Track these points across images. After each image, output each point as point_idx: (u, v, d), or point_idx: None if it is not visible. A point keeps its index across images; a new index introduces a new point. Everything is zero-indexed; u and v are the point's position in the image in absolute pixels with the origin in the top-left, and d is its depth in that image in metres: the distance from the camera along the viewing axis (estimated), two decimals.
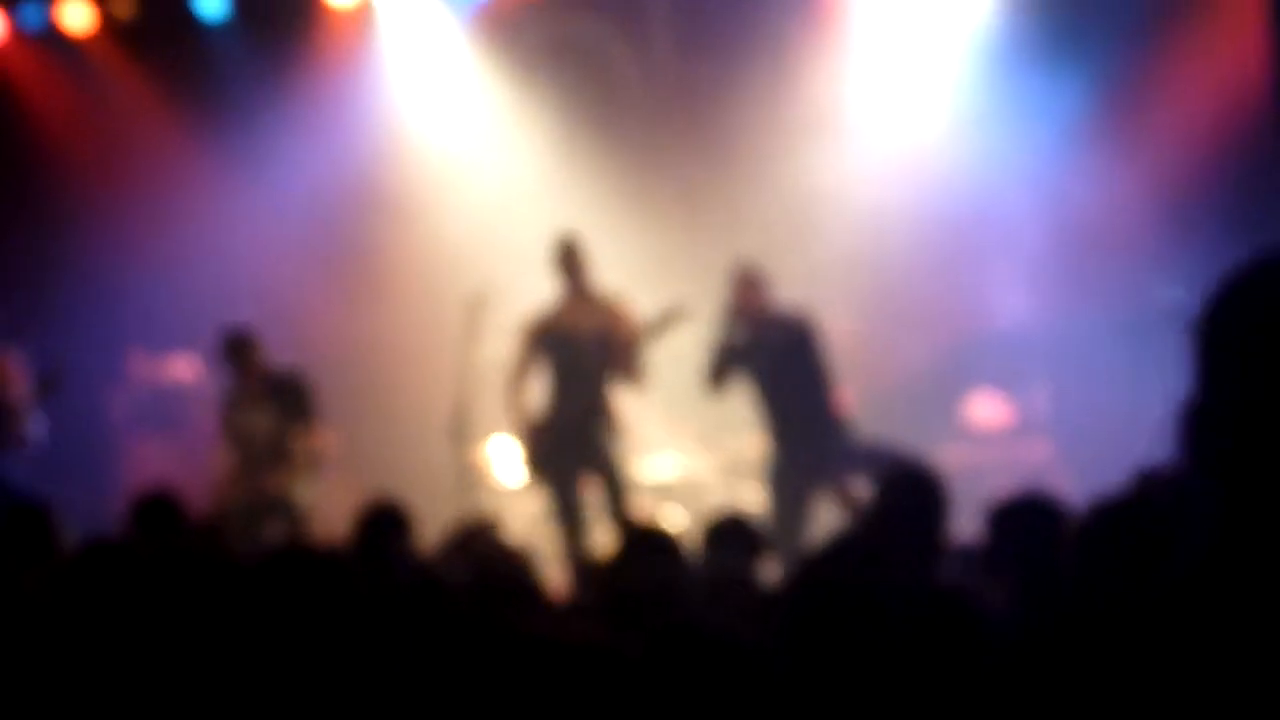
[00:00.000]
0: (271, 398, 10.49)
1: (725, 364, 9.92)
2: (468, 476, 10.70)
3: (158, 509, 6.87)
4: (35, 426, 10.70)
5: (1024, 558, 4.99)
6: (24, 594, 4.86)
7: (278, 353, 11.98)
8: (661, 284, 13.27)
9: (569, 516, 9.85)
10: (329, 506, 12.05)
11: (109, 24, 13.84)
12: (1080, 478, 11.02)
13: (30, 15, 13.81)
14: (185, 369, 13.52)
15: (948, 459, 11.82)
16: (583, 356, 9.94)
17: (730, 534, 6.42)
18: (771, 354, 9.85)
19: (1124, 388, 11.53)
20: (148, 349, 13.53)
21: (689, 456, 12.22)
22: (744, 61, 13.68)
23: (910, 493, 5.73)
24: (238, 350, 10.61)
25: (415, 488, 10.33)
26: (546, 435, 10.00)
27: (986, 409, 12.25)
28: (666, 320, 9.95)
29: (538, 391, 10.29)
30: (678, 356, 11.50)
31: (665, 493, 11.97)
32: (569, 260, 10.13)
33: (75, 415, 11.89)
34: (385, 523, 6.38)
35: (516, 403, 10.20)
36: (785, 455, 9.76)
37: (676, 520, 11.40)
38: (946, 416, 12.32)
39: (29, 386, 10.66)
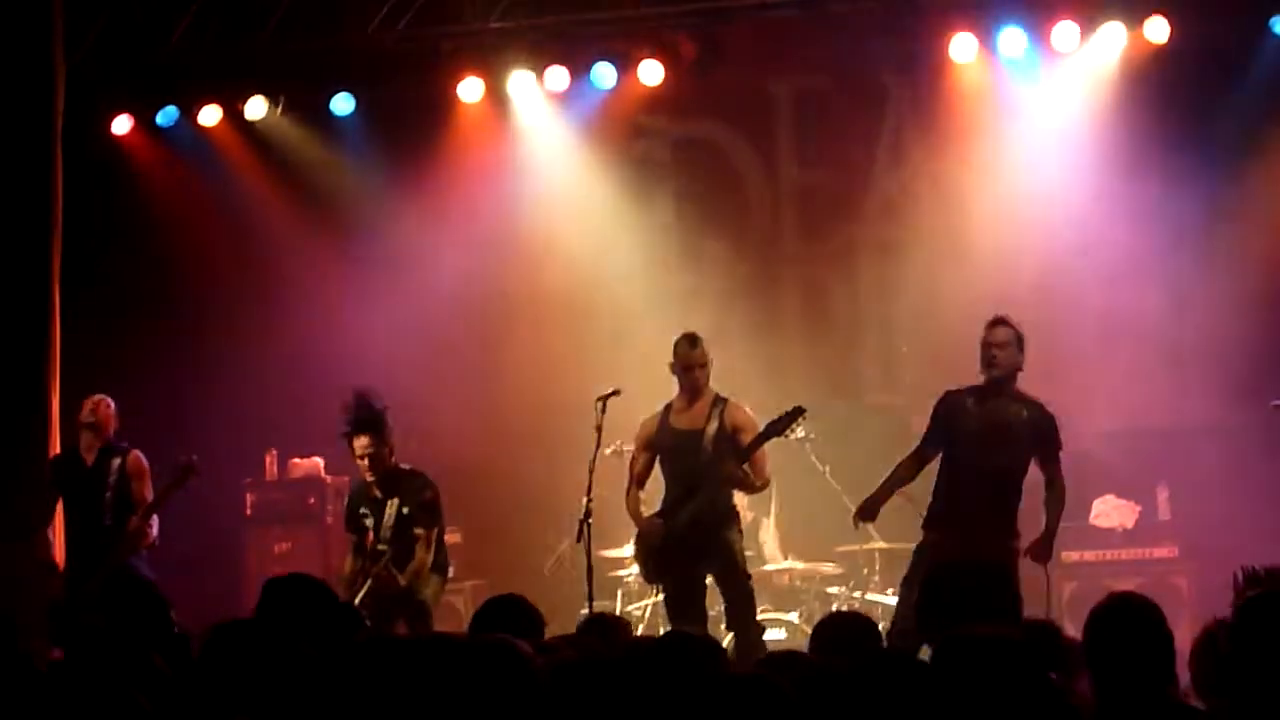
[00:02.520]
0: (395, 496, 10.54)
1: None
2: (596, 570, 10.74)
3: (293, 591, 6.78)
4: (154, 529, 10.94)
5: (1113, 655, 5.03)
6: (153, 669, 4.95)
7: (406, 450, 12.15)
8: (779, 388, 13.42)
9: (689, 617, 9.86)
10: (455, 602, 12.25)
11: (239, 123, 14.20)
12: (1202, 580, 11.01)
13: (163, 114, 14.16)
14: (316, 468, 13.70)
15: (1074, 561, 11.85)
16: (701, 458, 10.00)
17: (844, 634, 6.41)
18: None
19: (1242, 492, 11.50)
20: (281, 448, 13.71)
21: (803, 560, 12.19)
22: (865, 169, 13.79)
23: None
24: (371, 422, 10.53)
25: (540, 584, 10.46)
26: (664, 537, 10.06)
27: (1110, 512, 12.19)
28: (781, 424, 9.99)
29: (658, 492, 10.37)
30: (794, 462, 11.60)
31: (781, 593, 11.97)
32: (689, 361, 10.22)
33: (211, 511, 12.10)
34: (505, 618, 6.33)
35: (637, 503, 10.30)
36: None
37: (793, 622, 11.44)
38: (1072, 519, 12.28)
39: (161, 485, 10.90)
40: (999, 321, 9.58)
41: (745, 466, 9.99)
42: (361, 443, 10.56)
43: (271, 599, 6.09)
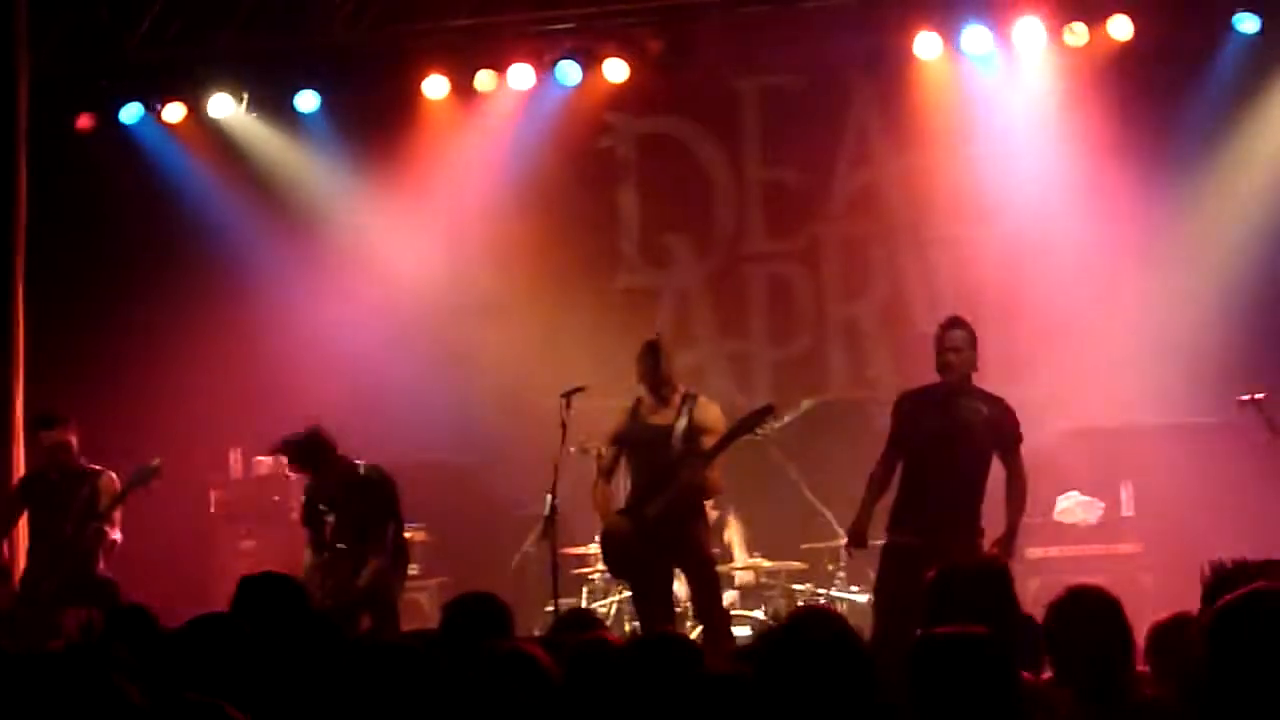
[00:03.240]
0: (353, 495, 10.53)
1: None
2: (561, 567, 10.73)
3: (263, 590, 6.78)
4: (116, 533, 10.94)
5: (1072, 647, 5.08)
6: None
7: (369, 447, 12.12)
8: (745, 384, 13.45)
9: (656, 613, 9.88)
10: (420, 599, 12.24)
11: (203, 120, 14.17)
12: (1166, 576, 11.05)
13: (127, 111, 14.13)
14: (281, 465, 13.67)
15: (1039, 558, 11.89)
16: (670, 453, 10.00)
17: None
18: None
19: (1205, 488, 11.56)
20: (246, 446, 13.69)
21: (769, 558, 12.20)
22: (830, 165, 13.82)
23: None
24: (310, 458, 10.63)
25: (505, 581, 10.46)
26: (632, 533, 10.05)
27: (1074, 508, 12.24)
28: (749, 423, 10.01)
29: (625, 489, 10.38)
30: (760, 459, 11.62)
31: (747, 591, 11.98)
32: (654, 361, 10.23)
33: (176, 509, 12.08)
34: (474, 616, 6.34)
35: (604, 497, 10.30)
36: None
37: (758, 619, 11.45)
38: (1036, 515, 12.33)
39: (122, 487, 10.90)
40: (954, 323, 9.60)
41: (705, 468, 9.98)
42: (306, 475, 10.76)
43: (246, 597, 6.10)
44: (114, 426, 11.66)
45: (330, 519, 10.50)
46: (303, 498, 10.88)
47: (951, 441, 9.38)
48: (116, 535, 10.94)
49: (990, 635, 4.43)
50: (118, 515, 10.95)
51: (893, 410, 9.71)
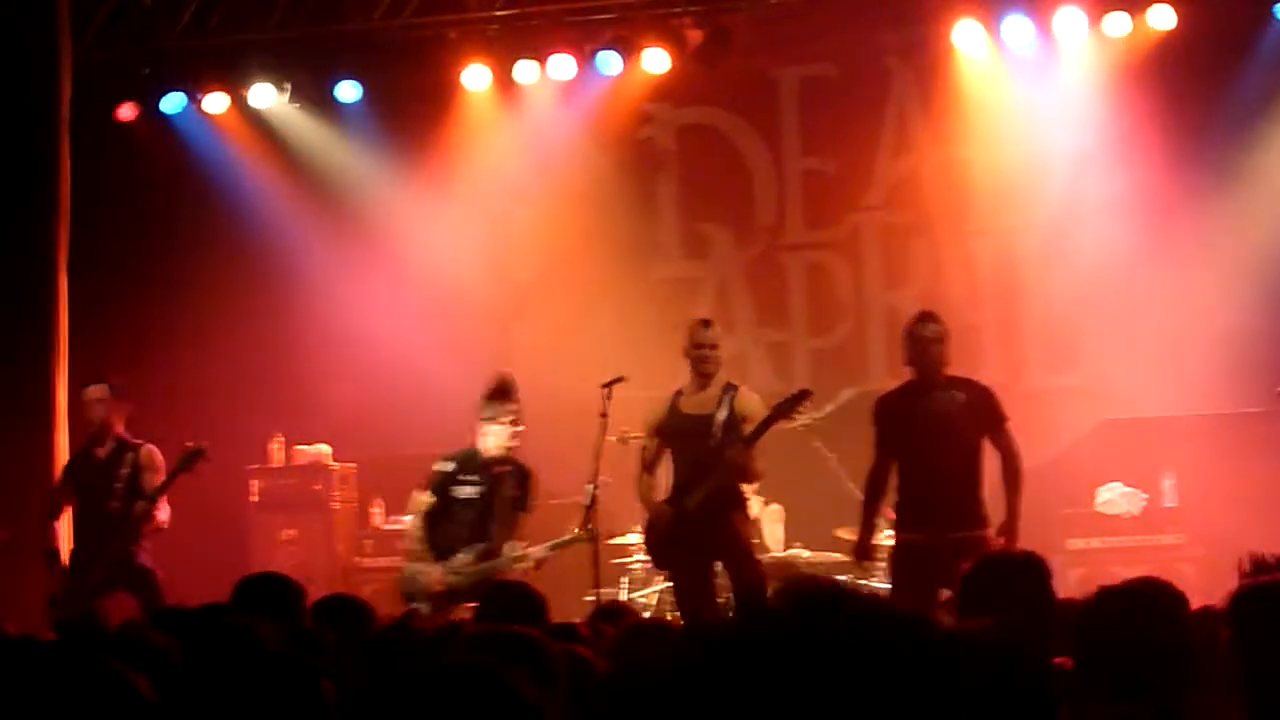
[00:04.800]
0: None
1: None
2: (602, 557, 10.73)
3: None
4: (164, 512, 10.97)
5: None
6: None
7: (409, 435, 12.14)
8: (784, 374, 13.43)
9: (698, 604, 9.88)
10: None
11: (245, 110, 14.23)
12: (1208, 567, 11.02)
13: (169, 100, 14.18)
14: (322, 455, 13.72)
15: (1080, 549, 11.87)
16: (710, 443, 10.01)
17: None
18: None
19: (1248, 479, 11.52)
20: (287, 434, 13.73)
21: (809, 548, 12.18)
22: (870, 154, 13.80)
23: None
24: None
25: (543, 571, 10.46)
26: (673, 524, 10.06)
27: (1117, 499, 12.21)
28: (787, 407, 10.01)
29: (666, 478, 10.38)
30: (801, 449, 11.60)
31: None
32: (702, 343, 10.24)
33: (216, 498, 12.13)
34: (511, 604, 6.36)
35: (648, 489, 10.31)
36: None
37: None
38: (1079, 505, 12.30)
39: (168, 473, 10.93)
40: (930, 317, 9.59)
41: (747, 457, 9.99)
42: None
43: (244, 596, 6.12)
44: (155, 415, 11.70)
45: (469, 491, 10.49)
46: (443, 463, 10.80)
47: (938, 436, 9.38)
48: (164, 515, 10.96)
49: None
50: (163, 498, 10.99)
51: (874, 415, 9.69)
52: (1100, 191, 13.00)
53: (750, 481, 10.34)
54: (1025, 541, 10.04)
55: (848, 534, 11.86)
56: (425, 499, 10.55)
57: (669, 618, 11.13)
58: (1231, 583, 5.38)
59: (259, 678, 3.61)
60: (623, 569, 12.17)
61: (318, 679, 3.53)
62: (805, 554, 11.99)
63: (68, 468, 11.49)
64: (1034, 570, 5.81)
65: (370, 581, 12.64)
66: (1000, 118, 13.37)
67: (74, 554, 11.02)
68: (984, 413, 9.47)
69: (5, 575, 10.89)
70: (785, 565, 11.84)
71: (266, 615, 5.30)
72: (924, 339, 9.49)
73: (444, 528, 10.45)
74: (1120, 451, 12.37)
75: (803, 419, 10.73)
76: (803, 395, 10.09)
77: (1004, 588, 5.56)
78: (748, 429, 9.93)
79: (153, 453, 11.08)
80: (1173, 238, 12.73)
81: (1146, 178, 12.76)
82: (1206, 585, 9.85)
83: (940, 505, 9.30)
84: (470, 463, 10.55)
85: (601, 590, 10.63)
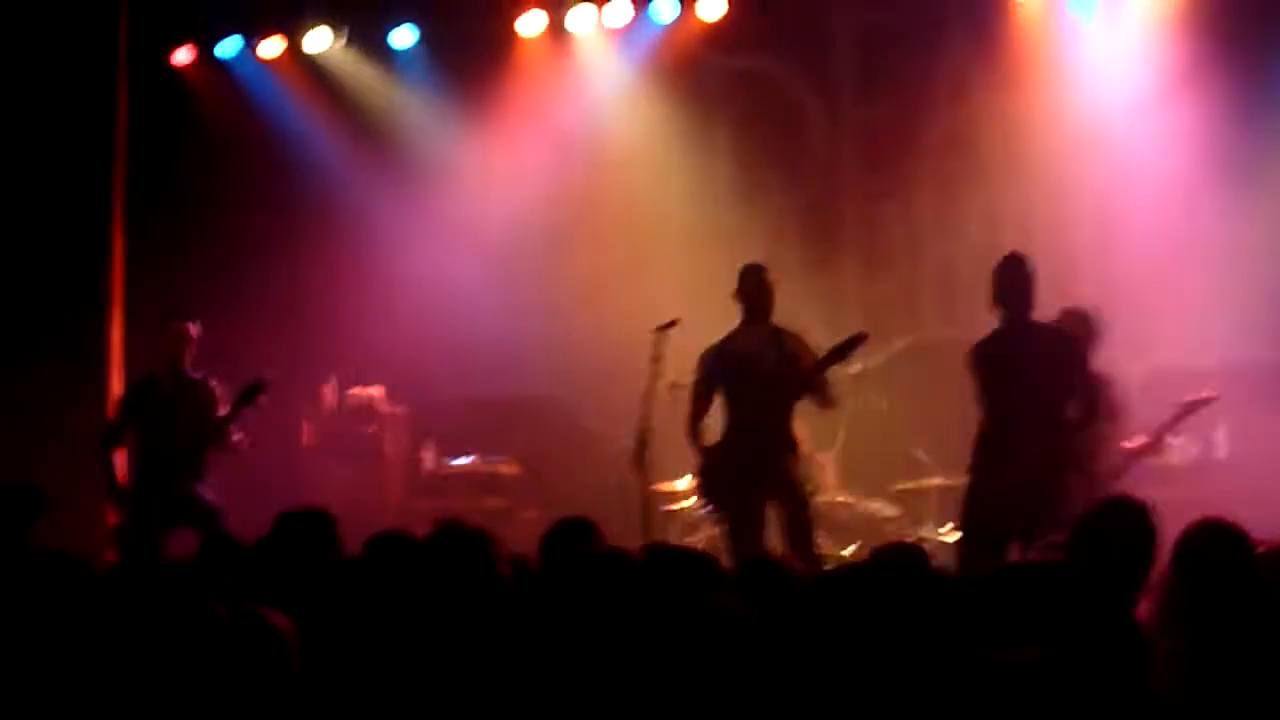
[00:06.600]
0: None
1: None
2: (651, 503, 10.75)
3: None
4: (238, 436, 11.04)
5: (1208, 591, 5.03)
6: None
7: (461, 380, 12.15)
8: (835, 323, 13.41)
9: (749, 546, 9.89)
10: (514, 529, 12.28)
11: (300, 55, 14.27)
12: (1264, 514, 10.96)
13: (225, 45, 14.22)
14: (374, 398, 13.76)
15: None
16: (763, 386, 10.03)
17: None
18: None
19: None
20: (340, 377, 13.79)
21: (859, 495, 12.18)
22: (925, 103, 13.74)
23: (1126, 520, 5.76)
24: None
25: (601, 514, 10.50)
26: (726, 463, 10.10)
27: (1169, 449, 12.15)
28: (843, 350, 10.02)
29: (719, 420, 10.40)
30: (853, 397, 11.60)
31: (842, 524, 11.97)
32: (753, 291, 10.24)
33: (268, 441, 12.19)
34: (571, 536, 6.38)
35: (697, 431, 10.33)
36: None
37: (845, 558, 11.44)
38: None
39: (233, 400, 10.97)
40: (1018, 258, 9.52)
41: (811, 389, 10.00)
42: None
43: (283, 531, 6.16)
44: (210, 359, 11.75)
45: None
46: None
47: (1019, 378, 9.26)
48: (239, 438, 11.02)
49: None
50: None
51: (968, 364, 9.54)
52: (1154, 140, 12.90)
53: (828, 407, 10.33)
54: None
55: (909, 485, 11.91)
56: None
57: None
58: None
59: None
60: (672, 515, 12.20)
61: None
62: (855, 500, 11.99)
63: (126, 401, 11.52)
64: (1145, 520, 5.82)
65: (422, 523, 12.67)
66: (1057, 66, 13.29)
67: (136, 488, 11.07)
68: (1069, 361, 9.41)
69: (67, 512, 10.97)
70: (835, 511, 11.87)
71: (305, 549, 5.37)
72: (1012, 281, 9.43)
73: None
74: (1173, 400, 12.32)
75: (855, 367, 10.73)
76: (860, 338, 10.10)
77: (1113, 534, 5.57)
78: (804, 365, 9.94)
79: (217, 387, 11.14)
80: (1229, 184, 12.63)
81: (1200, 125, 12.65)
82: (1259, 535, 9.84)
83: (1019, 449, 9.18)
84: None
85: (651, 537, 10.66)
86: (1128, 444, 10.21)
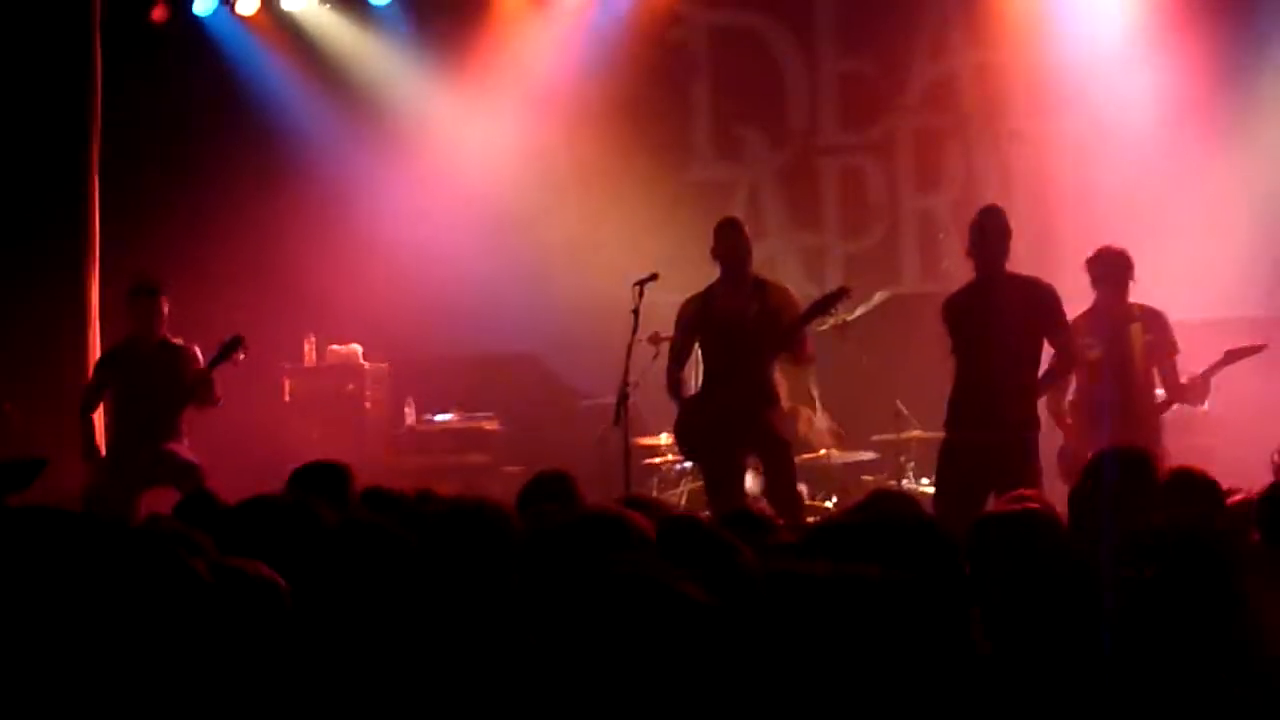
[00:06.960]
0: None
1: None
2: (632, 457, 10.75)
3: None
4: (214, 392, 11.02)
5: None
6: None
7: (440, 337, 12.11)
8: (816, 277, 13.41)
9: (729, 498, 9.90)
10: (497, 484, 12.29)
11: (277, 12, 14.20)
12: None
13: (201, 2, 14.15)
14: (354, 354, 13.74)
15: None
16: (743, 340, 10.01)
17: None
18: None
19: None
20: (319, 334, 13.77)
21: (840, 448, 12.18)
22: (906, 57, 13.72)
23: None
24: None
25: (583, 469, 10.50)
26: (704, 416, 10.09)
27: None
28: (825, 304, 10.02)
29: (699, 374, 10.41)
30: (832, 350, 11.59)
31: (821, 477, 11.99)
32: (729, 246, 10.23)
33: (249, 397, 12.16)
34: (548, 490, 6.37)
35: (678, 383, 10.32)
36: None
37: (827, 509, 11.46)
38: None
39: (209, 359, 10.94)
40: (994, 211, 9.50)
41: (791, 344, 9.99)
42: None
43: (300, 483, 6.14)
44: (187, 318, 11.71)
45: None
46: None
47: (994, 331, 9.21)
48: (217, 394, 10.99)
49: None
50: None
51: (942, 316, 9.52)
52: (1136, 94, 12.88)
53: (803, 364, 10.35)
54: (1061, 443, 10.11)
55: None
56: None
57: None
58: (1264, 480, 5.42)
59: None
60: (653, 469, 12.22)
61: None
62: (837, 454, 12.00)
63: (103, 364, 11.51)
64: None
65: (403, 480, 12.67)
66: (1038, 20, 13.26)
67: (112, 449, 11.07)
68: (1044, 312, 9.40)
69: (49, 473, 10.93)
70: (816, 463, 11.89)
71: (321, 502, 5.34)
72: (987, 231, 9.40)
73: None
74: (1200, 355, 12.31)
75: (834, 319, 10.74)
76: (842, 292, 10.09)
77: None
78: (786, 318, 9.93)
79: (196, 355, 11.12)
80: (1212, 139, 12.63)
81: (1183, 78, 12.64)
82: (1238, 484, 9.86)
83: (992, 404, 9.16)
84: None
85: (632, 490, 10.67)
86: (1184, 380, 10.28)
